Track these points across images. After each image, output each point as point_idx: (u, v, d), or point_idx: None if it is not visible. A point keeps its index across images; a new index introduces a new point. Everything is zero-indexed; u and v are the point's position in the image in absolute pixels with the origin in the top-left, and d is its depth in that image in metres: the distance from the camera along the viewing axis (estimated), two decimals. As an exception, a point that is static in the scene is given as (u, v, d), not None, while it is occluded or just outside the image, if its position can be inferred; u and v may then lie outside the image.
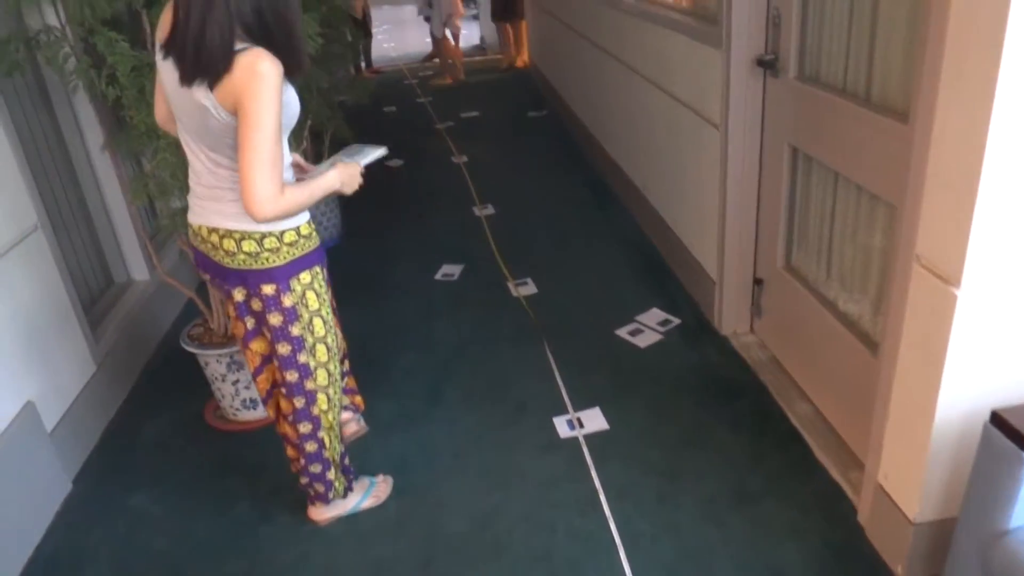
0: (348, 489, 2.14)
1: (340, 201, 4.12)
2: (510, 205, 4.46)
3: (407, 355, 3.00)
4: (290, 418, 1.94)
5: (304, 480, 2.05)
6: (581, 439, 2.41)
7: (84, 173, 3.03)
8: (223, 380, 2.56)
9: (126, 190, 2.93)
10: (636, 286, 3.37)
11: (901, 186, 1.69)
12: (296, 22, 1.61)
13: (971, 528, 1.50)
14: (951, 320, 1.50)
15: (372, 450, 2.45)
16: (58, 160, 2.88)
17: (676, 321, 3.03)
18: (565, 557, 1.97)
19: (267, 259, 1.73)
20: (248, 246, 1.71)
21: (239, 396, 2.59)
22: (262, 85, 1.51)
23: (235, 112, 1.54)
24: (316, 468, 2.01)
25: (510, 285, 3.48)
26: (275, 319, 1.79)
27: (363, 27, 8.39)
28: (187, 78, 1.54)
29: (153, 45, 2.17)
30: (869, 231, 2.07)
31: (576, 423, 2.49)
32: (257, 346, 1.90)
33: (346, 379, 2.15)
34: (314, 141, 3.88)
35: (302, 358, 1.85)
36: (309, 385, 1.89)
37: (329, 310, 1.88)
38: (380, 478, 2.26)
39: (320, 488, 2.06)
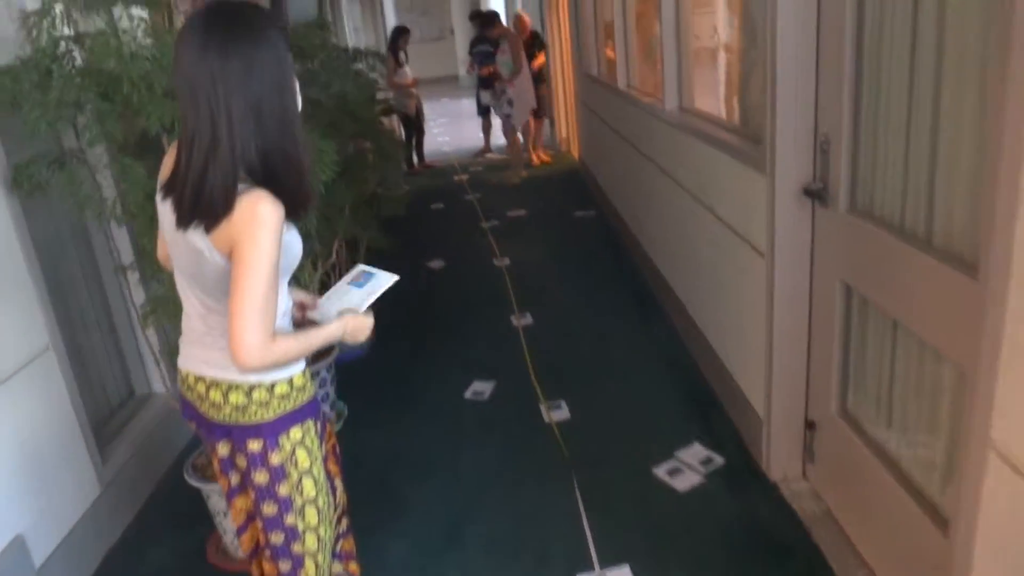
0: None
1: (372, 306, 4.02)
2: (549, 314, 4.30)
3: (427, 487, 2.80)
4: (274, 583, 1.75)
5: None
6: (607, 604, 2.15)
7: (111, 282, 2.99)
8: (224, 516, 2.40)
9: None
10: (677, 413, 3.12)
11: (972, 349, 1.46)
12: (304, 162, 1.51)
13: None
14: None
15: (376, 604, 2.23)
16: (86, 266, 2.85)
17: (719, 460, 2.77)
18: None
19: (255, 413, 1.58)
20: (235, 398, 1.57)
21: (241, 533, 2.42)
22: (261, 229, 1.39)
23: (230, 255, 1.43)
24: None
25: (543, 408, 3.27)
26: (261, 477, 1.62)
27: (415, 124, 8.56)
28: (183, 221, 1.44)
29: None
30: (935, 391, 1.82)
31: (603, 583, 2.23)
32: (241, 503, 1.74)
33: (341, 542, 1.97)
34: (350, 249, 3.82)
35: (289, 520, 1.67)
36: (296, 548, 1.71)
37: (321, 468, 1.71)
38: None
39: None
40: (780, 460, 2.62)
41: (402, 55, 8.22)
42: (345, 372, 3.60)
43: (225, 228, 1.40)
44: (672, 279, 3.99)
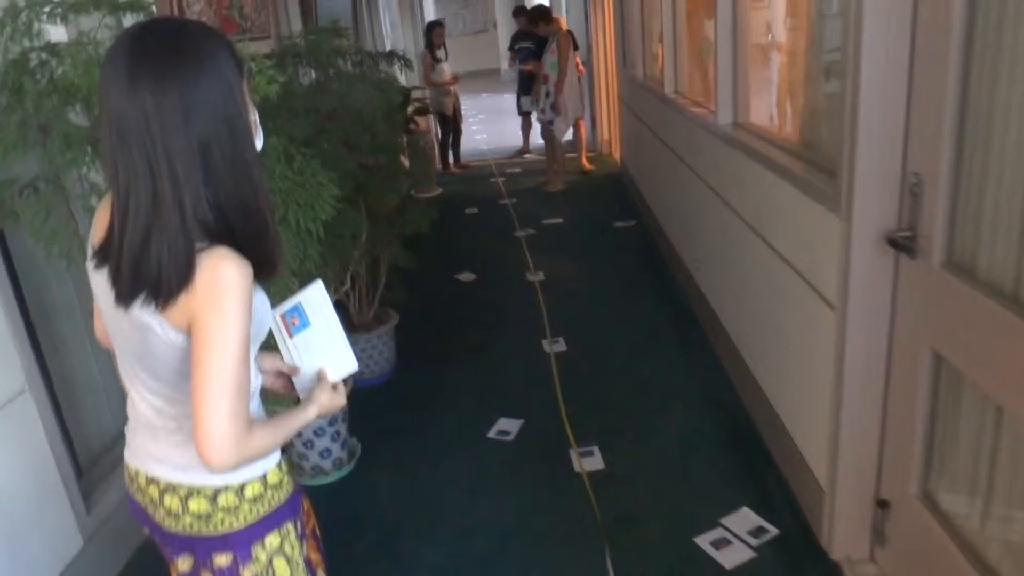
0: None
1: (397, 327, 3.75)
2: (584, 340, 3.98)
3: (439, 547, 2.52)
4: None
5: None
6: None
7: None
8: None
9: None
10: (723, 467, 2.80)
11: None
12: (266, 213, 1.23)
13: None
14: None
15: None
16: (71, 297, 2.61)
17: (773, 531, 2.44)
18: None
19: (221, 521, 1.30)
20: (197, 505, 1.29)
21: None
22: (226, 296, 1.12)
23: (189, 331, 1.16)
24: None
25: (573, 454, 2.97)
26: (230, 595, 1.35)
27: (452, 124, 8.28)
28: (124, 298, 1.17)
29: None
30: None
31: None
32: (209, 618, 1.47)
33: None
34: (371, 269, 3.55)
35: (264, 637, 1.40)
36: (272, 670, 1.44)
37: (304, 572, 1.44)
38: None
39: None
40: (844, 538, 2.28)
41: (440, 51, 7.94)
42: (362, 399, 3.34)
43: (182, 300, 1.13)
44: (718, 307, 3.64)
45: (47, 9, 1.75)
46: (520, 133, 9.08)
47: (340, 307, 3.15)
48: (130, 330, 1.21)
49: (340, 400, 1.40)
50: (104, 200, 1.25)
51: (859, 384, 2.10)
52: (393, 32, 7.98)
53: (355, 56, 3.37)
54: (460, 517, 2.67)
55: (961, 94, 1.66)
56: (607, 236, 5.83)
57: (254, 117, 1.24)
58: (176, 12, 3.12)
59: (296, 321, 1.39)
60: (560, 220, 6.29)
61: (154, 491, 1.32)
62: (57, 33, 1.95)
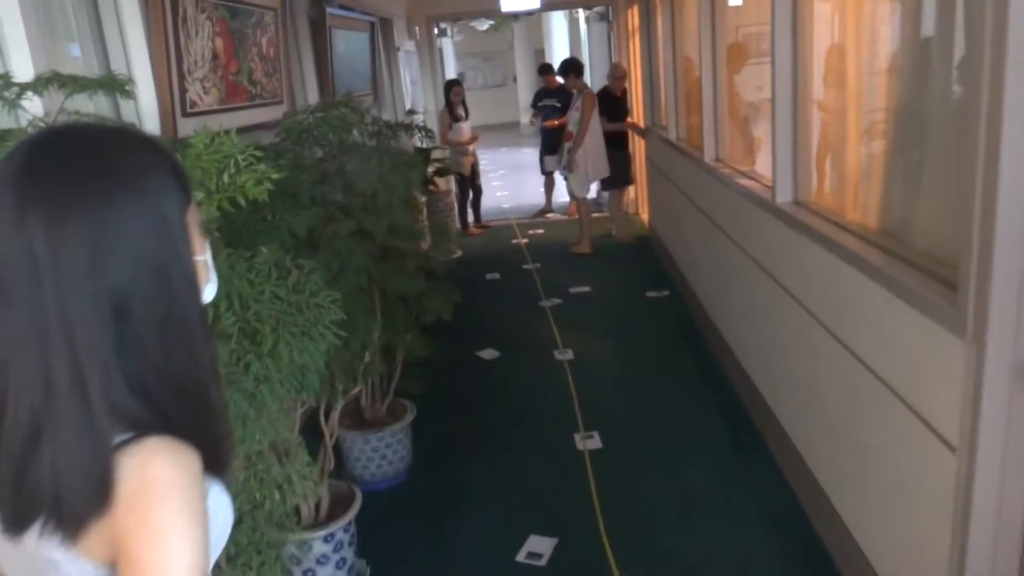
0: None
1: (413, 420, 3.36)
2: (621, 435, 3.57)
3: None
4: None
5: None
6: None
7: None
8: None
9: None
10: (798, 613, 2.35)
11: None
12: (213, 393, 0.86)
13: None
14: None
15: None
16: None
17: None
18: None
19: None
20: None
21: None
22: (161, 509, 0.75)
23: (115, 563, 0.79)
24: None
25: (616, 588, 2.54)
26: None
27: (471, 183, 8.00)
28: (12, 526, 0.80)
29: None
30: None
31: None
32: None
33: None
34: (385, 358, 3.17)
35: None
36: None
37: None
38: None
39: None
40: None
41: (459, 109, 7.70)
42: (374, 504, 2.92)
43: (98, 524, 0.76)
44: (775, 405, 3.23)
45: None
46: (543, 191, 8.80)
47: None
48: (26, 568, 0.83)
49: None
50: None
51: (989, 547, 1.68)
52: (413, 89, 7.76)
53: (371, 126, 3.06)
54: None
55: None
56: (639, 307, 5.43)
57: (204, 258, 0.88)
58: (175, 82, 2.82)
59: None
60: (587, 288, 5.91)
61: None
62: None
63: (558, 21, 15.91)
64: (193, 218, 0.87)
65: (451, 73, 10.69)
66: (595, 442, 3.53)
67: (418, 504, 3.17)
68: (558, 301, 5.66)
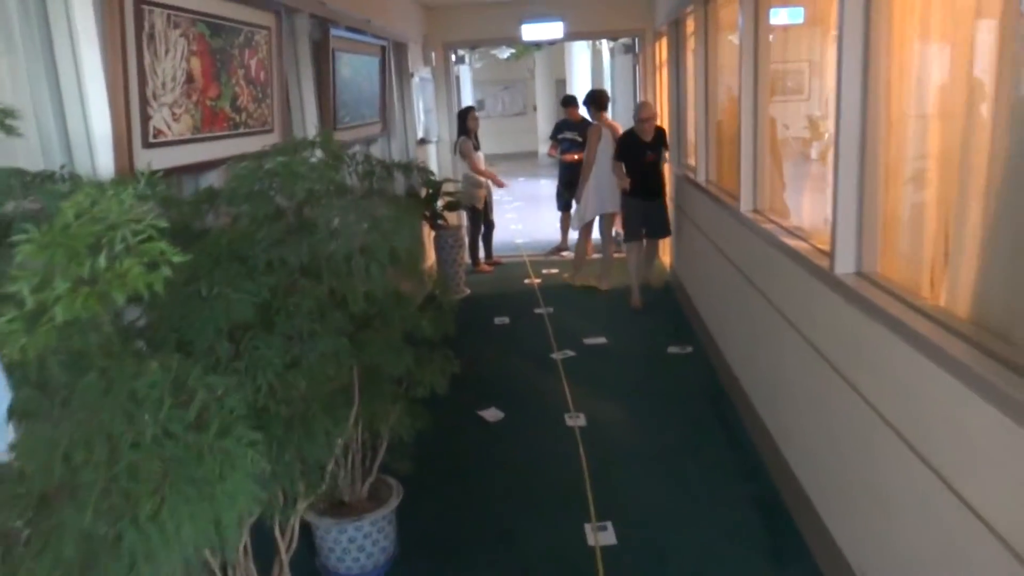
0: None
1: (400, 501, 2.89)
2: (639, 531, 3.08)
3: None
4: None
5: None
6: None
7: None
8: None
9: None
10: None
11: None
12: None
13: None
14: None
15: None
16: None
17: None
18: None
19: None
20: None
21: None
22: None
23: None
24: None
25: None
26: None
27: (484, 217, 7.59)
28: None
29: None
30: None
31: None
32: None
33: None
34: (368, 430, 2.72)
35: None
36: None
37: None
38: None
39: None
40: None
41: (475, 138, 7.31)
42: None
43: None
44: (825, 511, 2.74)
45: None
46: (559, 226, 8.35)
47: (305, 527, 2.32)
48: None
49: None
50: None
51: None
52: (427, 117, 7.37)
53: (364, 165, 2.63)
54: None
55: None
56: (660, 366, 4.95)
57: None
58: (136, 107, 2.42)
59: None
60: (603, 340, 5.43)
61: None
62: None
63: (580, 51, 15.60)
64: None
65: (468, 101, 10.34)
66: (608, 535, 3.04)
67: (399, 608, 2.70)
68: (571, 353, 5.19)
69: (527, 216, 11.18)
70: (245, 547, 1.81)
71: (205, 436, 1.07)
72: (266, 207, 1.67)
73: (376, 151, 5.86)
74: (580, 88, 15.58)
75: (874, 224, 2.46)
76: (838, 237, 2.49)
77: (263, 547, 2.14)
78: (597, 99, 6.75)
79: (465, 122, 7.30)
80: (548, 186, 13.03)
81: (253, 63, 3.31)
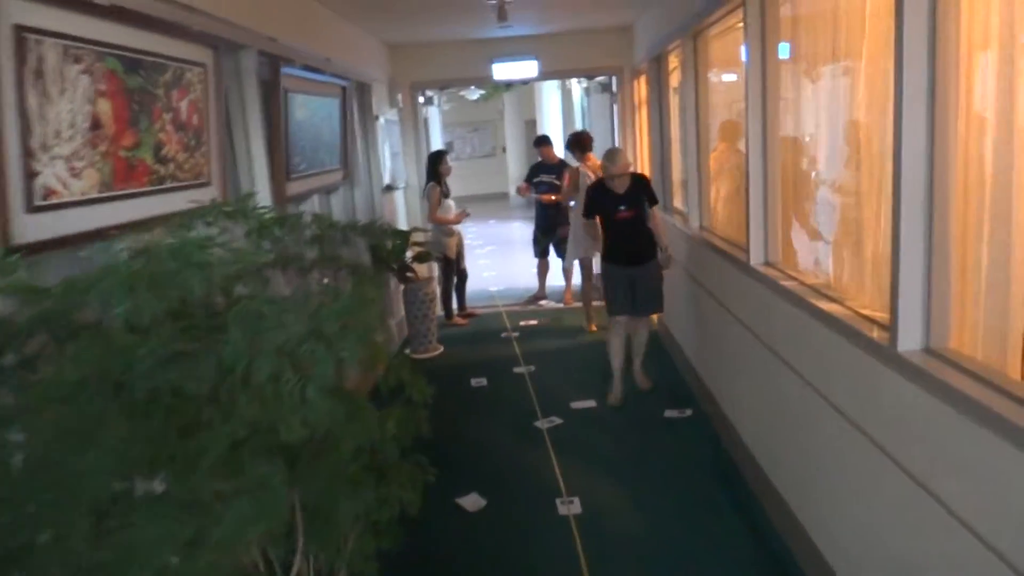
0: None
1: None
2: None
3: None
4: None
5: None
6: None
7: None
8: None
9: None
10: None
11: None
12: None
13: None
14: None
15: None
16: None
17: None
18: None
19: None
20: None
21: None
22: None
23: None
24: None
25: None
26: None
27: (456, 267, 7.08)
28: None
29: None
30: None
31: None
32: None
33: None
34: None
35: None
36: None
37: None
38: None
39: None
40: None
41: (445, 184, 6.84)
42: None
43: None
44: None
45: None
46: (535, 273, 7.86)
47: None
48: None
49: None
50: None
51: None
52: (393, 162, 6.89)
53: (313, 229, 2.12)
54: None
55: None
56: (658, 433, 4.44)
57: None
58: (15, 161, 1.89)
59: None
60: (592, 403, 4.92)
61: None
62: None
63: (551, 91, 15.32)
64: None
65: (437, 143, 9.90)
66: (621, 668, 2.50)
67: None
68: (558, 421, 4.66)
69: (501, 262, 10.70)
70: None
71: None
72: (151, 307, 1.15)
73: (337, 201, 5.36)
74: (551, 129, 15.27)
75: (943, 291, 2.00)
76: (902, 309, 2.02)
77: None
78: (581, 142, 6.34)
79: (436, 166, 6.84)
80: (521, 228, 12.60)
81: (184, 105, 2.80)
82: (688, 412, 4.64)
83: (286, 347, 1.18)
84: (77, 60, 2.17)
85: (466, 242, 7.46)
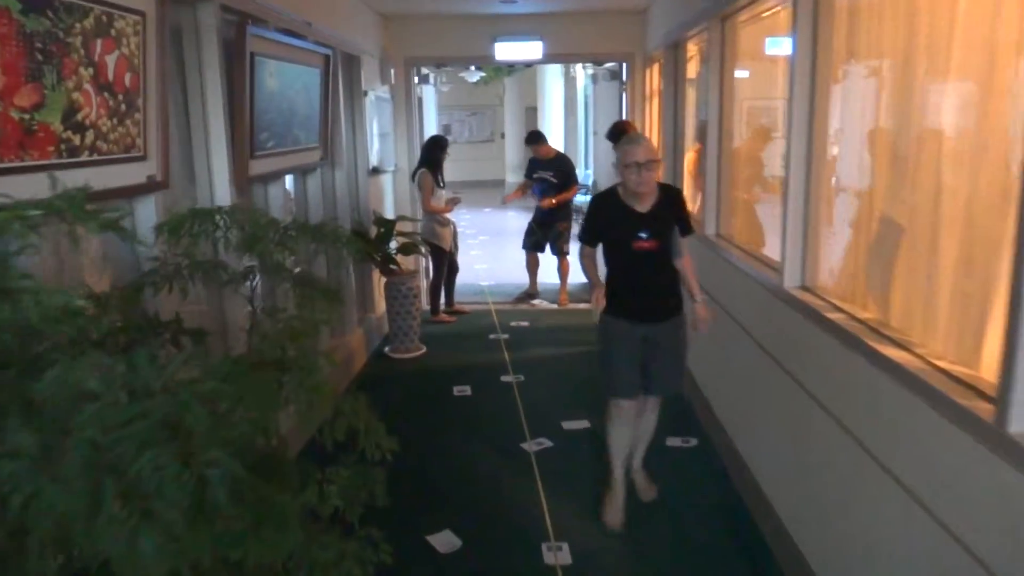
0: None
1: None
2: None
3: None
4: None
5: None
6: None
7: None
8: None
9: None
10: None
11: None
12: None
13: None
14: None
15: None
16: None
17: None
18: None
19: None
20: None
21: None
22: None
23: None
24: None
25: None
26: None
27: (448, 259, 6.58)
28: None
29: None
30: None
31: None
32: None
33: None
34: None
35: None
36: None
37: None
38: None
39: None
40: None
41: (441, 174, 6.33)
42: None
43: None
44: None
45: None
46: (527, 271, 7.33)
47: None
48: None
49: None
50: None
51: None
52: (382, 143, 6.36)
53: (241, 230, 1.60)
54: None
55: None
56: (659, 463, 3.94)
57: None
58: None
59: None
60: (586, 423, 4.43)
61: None
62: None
63: (554, 78, 14.78)
64: None
65: (432, 126, 9.37)
66: None
67: None
68: (547, 444, 4.18)
69: (494, 253, 10.19)
70: None
71: None
72: None
73: (315, 183, 4.83)
74: (552, 116, 14.74)
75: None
76: (1020, 376, 1.52)
77: None
78: (626, 131, 5.59)
79: (432, 152, 6.30)
80: (517, 218, 12.05)
81: (111, 60, 2.27)
82: (693, 442, 4.16)
83: (109, 460, 0.69)
84: (-54, -11, 1.65)
85: (458, 231, 6.94)
